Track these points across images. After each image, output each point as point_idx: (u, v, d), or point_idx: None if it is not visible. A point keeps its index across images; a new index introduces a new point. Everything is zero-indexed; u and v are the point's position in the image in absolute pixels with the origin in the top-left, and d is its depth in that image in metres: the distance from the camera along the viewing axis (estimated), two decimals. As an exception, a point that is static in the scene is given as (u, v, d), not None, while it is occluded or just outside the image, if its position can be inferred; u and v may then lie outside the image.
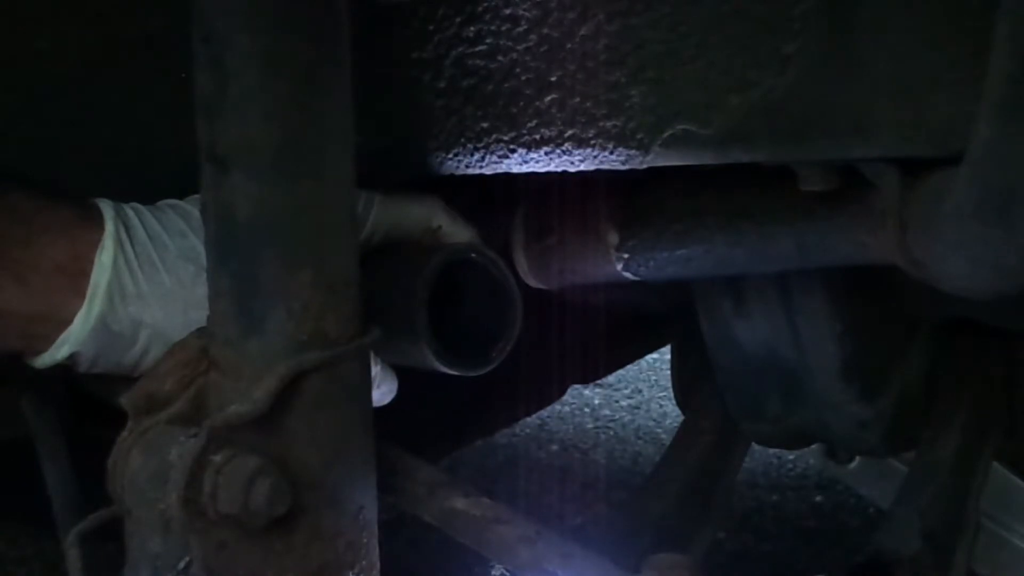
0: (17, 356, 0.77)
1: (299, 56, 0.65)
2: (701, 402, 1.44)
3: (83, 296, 0.74)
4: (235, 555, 0.66)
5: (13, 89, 0.81)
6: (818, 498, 2.30)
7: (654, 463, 1.50)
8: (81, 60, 0.81)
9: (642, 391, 2.99)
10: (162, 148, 0.81)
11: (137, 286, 0.75)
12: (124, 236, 0.75)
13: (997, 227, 0.68)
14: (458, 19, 0.77)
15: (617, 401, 2.93)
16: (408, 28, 0.78)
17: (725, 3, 0.69)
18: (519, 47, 0.75)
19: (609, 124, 0.74)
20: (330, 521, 0.69)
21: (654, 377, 3.02)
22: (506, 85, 0.77)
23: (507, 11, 0.75)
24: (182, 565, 0.66)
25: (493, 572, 1.83)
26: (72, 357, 0.76)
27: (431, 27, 0.78)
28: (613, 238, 0.95)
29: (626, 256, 0.95)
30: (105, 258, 0.74)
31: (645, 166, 0.76)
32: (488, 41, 0.76)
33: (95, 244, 0.74)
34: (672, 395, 1.58)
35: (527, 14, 0.74)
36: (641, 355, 2.05)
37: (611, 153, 0.75)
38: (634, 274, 0.96)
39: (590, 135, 0.75)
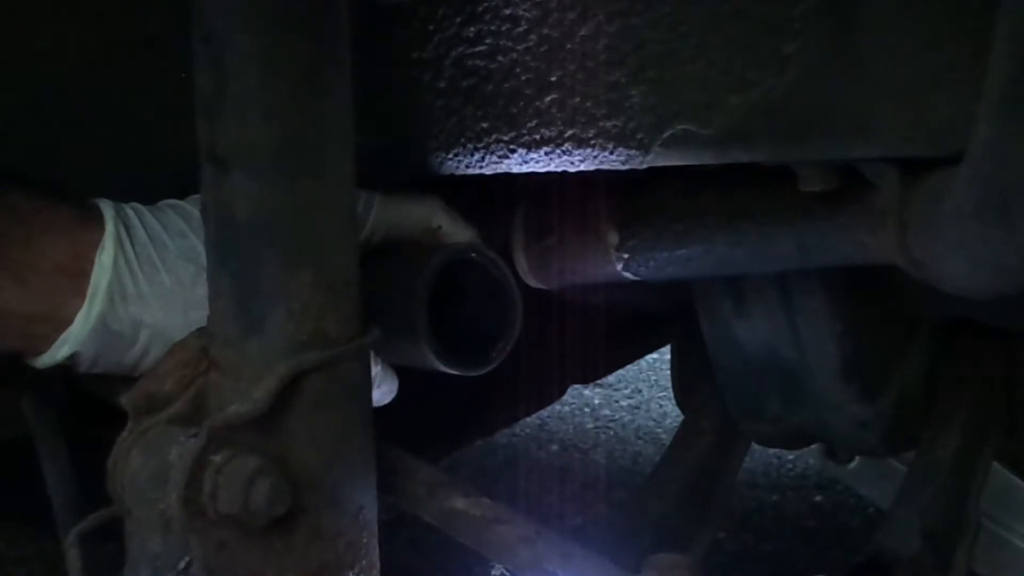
0: (17, 356, 0.77)
1: (299, 56, 0.65)
2: (701, 402, 1.44)
3: (83, 296, 0.74)
4: (235, 555, 0.66)
5: (13, 89, 0.81)
6: (818, 498, 2.30)
7: (654, 463, 1.50)
8: (81, 60, 0.81)
9: (642, 391, 2.99)
10: (162, 148, 0.81)
11: (137, 286, 0.75)
12: (124, 236, 0.75)
13: (997, 227, 0.68)
14: (458, 19, 0.77)
15: (617, 401, 2.93)
16: (408, 28, 0.78)
17: (725, 3, 0.69)
18: (519, 47, 0.75)
19: (609, 124, 0.74)
20: (330, 521, 0.69)
21: (654, 377, 3.02)
22: (506, 85, 0.77)
23: (507, 11, 0.75)
24: (182, 565, 0.66)
25: (493, 572, 1.83)
26: (72, 357, 0.76)
27: (431, 27, 0.78)
28: (613, 238, 0.95)
29: (626, 256, 0.95)
30: (105, 258, 0.74)
31: (645, 166, 0.76)
32: (488, 41, 0.76)
33: (95, 244, 0.74)
34: (672, 395, 1.58)
35: (527, 14, 0.74)
36: (641, 355, 2.05)
37: (611, 153, 0.75)
38: (634, 274, 0.96)
39: (590, 135, 0.75)
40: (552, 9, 0.74)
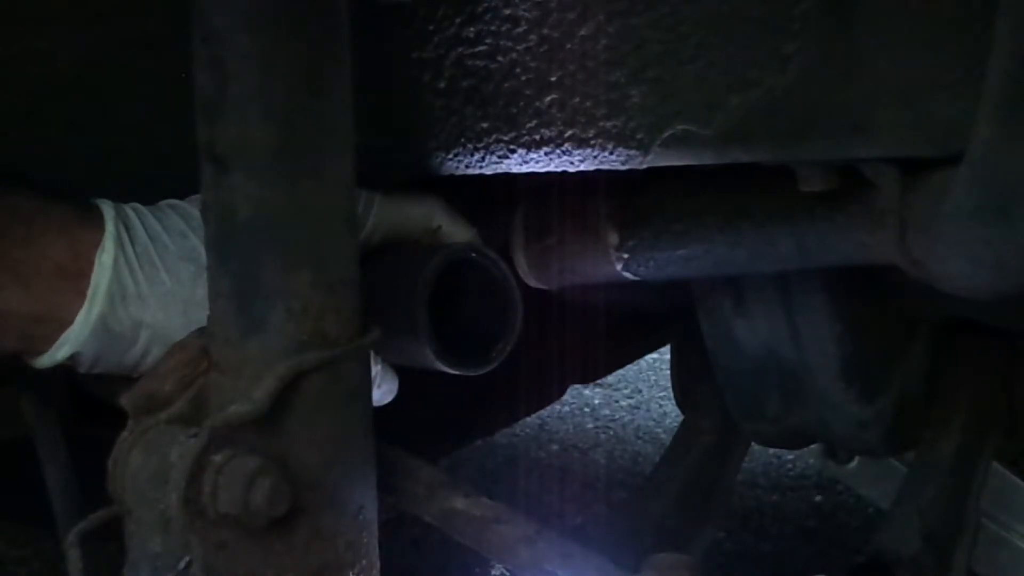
0: (17, 356, 0.77)
1: (299, 56, 0.65)
2: (701, 402, 1.45)
3: (83, 296, 0.74)
4: (235, 555, 0.66)
5: (13, 89, 0.81)
6: (818, 498, 2.30)
7: (654, 463, 1.50)
8: (81, 60, 0.81)
9: (642, 391, 2.99)
10: (162, 148, 0.81)
11: (137, 286, 0.75)
12: (124, 236, 0.75)
13: (997, 227, 0.68)
14: (458, 19, 0.77)
15: (617, 401, 2.93)
16: (408, 28, 0.78)
17: (725, 3, 0.69)
18: (519, 47, 0.75)
19: (609, 124, 0.74)
20: (330, 521, 0.69)
21: (654, 377, 3.02)
22: (506, 85, 0.77)
23: (507, 11, 0.75)
24: (182, 565, 0.66)
25: (493, 572, 1.83)
26: (73, 358, 0.76)
27: (431, 27, 0.78)
28: (613, 238, 0.95)
29: (626, 256, 0.95)
30: (105, 259, 0.74)
31: (645, 166, 0.76)
32: (488, 41, 0.76)
33: (95, 244, 0.74)
34: (672, 395, 1.58)
35: (527, 14, 0.74)
36: (641, 355, 2.05)
37: (611, 153, 0.75)
38: (634, 274, 0.96)
39: (590, 135, 0.75)
40: (552, 9, 0.74)
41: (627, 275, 0.97)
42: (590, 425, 2.77)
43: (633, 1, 0.71)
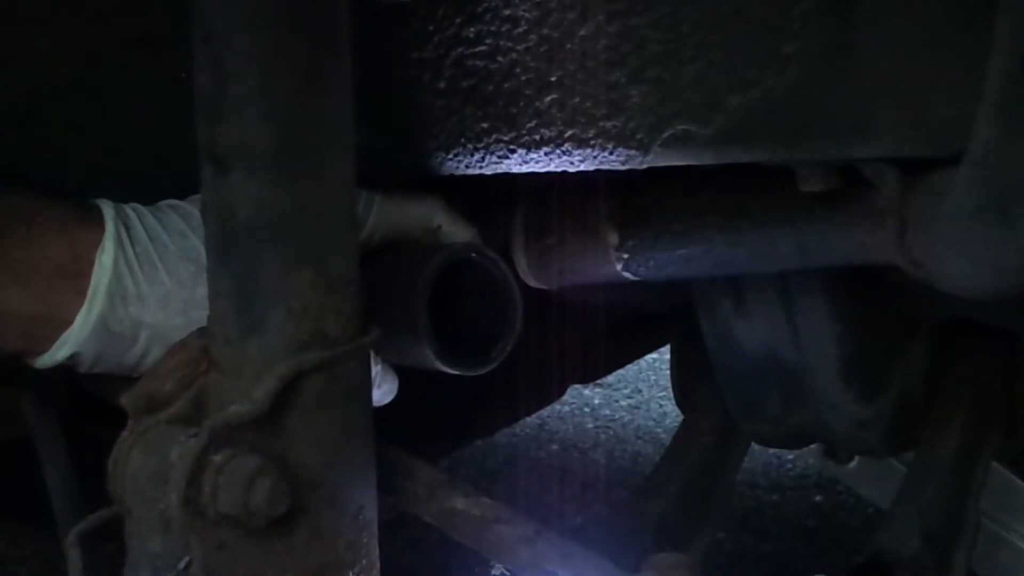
0: (17, 356, 0.77)
1: (299, 56, 0.65)
2: (701, 402, 1.45)
3: (83, 297, 0.74)
4: (235, 555, 0.66)
5: (13, 89, 0.81)
6: (818, 498, 2.30)
7: (654, 463, 1.50)
8: (81, 60, 0.81)
9: (642, 391, 2.99)
10: (162, 148, 0.81)
11: (137, 287, 0.75)
12: (124, 237, 0.75)
13: (997, 227, 0.68)
14: (458, 19, 0.77)
15: (617, 401, 2.93)
16: (408, 28, 0.78)
17: (725, 3, 0.69)
18: (519, 47, 0.75)
19: (609, 124, 0.74)
20: (330, 521, 0.69)
21: (654, 377, 3.02)
22: (506, 85, 0.77)
23: (507, 11, 0.75)
24: (182, 565, 0.66)
25: (493, 572, 1.83)
26: (73, 358, 0.76)
27: (431, 27, 0.78)
28: (613, 238, 0.95)
29: (626, 256, 0.95)
30: (105, 259, 0.74)
31: (645, 166, 0.76)
32: (488, 41, 0.76)
33: (95, 245, 0.74)
34: (672, 395, 1.58)
35: (527, 14, 0.74)
36: (641, 355, 2.05)
37: (611, 153, 0.75)
38: (634, 274, 0.96)
39: (590, 135, 0.75)
40: (552, 9, 0.74)
41: (627, 275, 0.97)
42: (590, 425, 2.77)
43: (633, 1, 0.71)
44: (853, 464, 1.66)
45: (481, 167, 0.81)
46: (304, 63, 0.65)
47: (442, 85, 0.79)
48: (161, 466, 0.67)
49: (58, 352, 0.75)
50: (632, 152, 0.75)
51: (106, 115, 0.83)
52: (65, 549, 0.72)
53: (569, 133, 0.76)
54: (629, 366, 2.45)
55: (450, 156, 0.81)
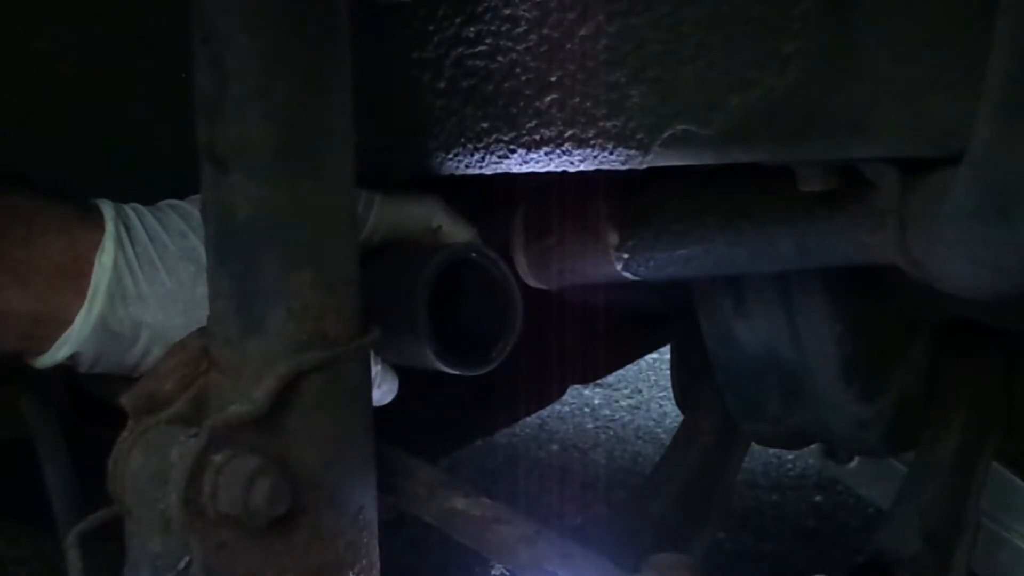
0: (17, 356, 0.77)
1: (299, 56, 0.65)
2: (701, 402, 1.45)
3: (84, 297, 0.74)
4: (235, 555, 0.66)
5: (13, 89, 0.81)
6: (818, 498, 2.30)
7: (654, 463, 1.50)
8: (81, 60, 0.81)
9: (642, 391, 2.99)
10: (162, 148, 0.81)
11: (137, 287, 0.75)
12: (124, 237, 0.75)
13: (997, 227, 0.68)
14: (458, 19, 0.77)
15: (617, 401, 2.93)
16: (408, 28, 0.78)
17: (725, 3, 0.69)
18: (519, 47, 0.75)
19: (609, 124, 0.74)
20: (330, 521, 0.69)
21: (654, 377, 3.02)
22: (506, 85, 0.77)
23: (507, 11, 0.75)
24: (182, 565, 0.66)
25: (493, 572, 1.83)
26: (73, 358, 0.76)
27: (431, 27, 0.78)
28: (613, 238, 0.95)
29: (626, 256, 0.95)
30: (105, 259, 0.74)
31: (645, 166, 0.76)
32: (488, 41, 0.76)
33: (95, 245, 0.74)
34: (672, 395, 1.58)
35: (527, 14, 0.74)
36: (641, 355, 2.05)
37: (611, 153, 0.75)
38: (634, 274, 0.96)
39: (590, 135, 0.75)
40: (552, 9, 0.74)
41: (627, 275, 0.97)
42: (590, 425, 2.77)
43: (633, 1, 0.71)
44: (853, 464, 1.66)
45: (481, 167, 0.81)
46: (304, 63, 0.65)
47: (442, 85, 0.79)
48: (161, 466, 0.67)
49: (58, 352, 0.75)
50: (632, 152, 0.75)
51: (106, 115, 0.83)
52: (65, 549, 0.72)
53: (569, 133, 0.76)
54: (629, 366, 2.45)
55: (450, 156, 0.81)
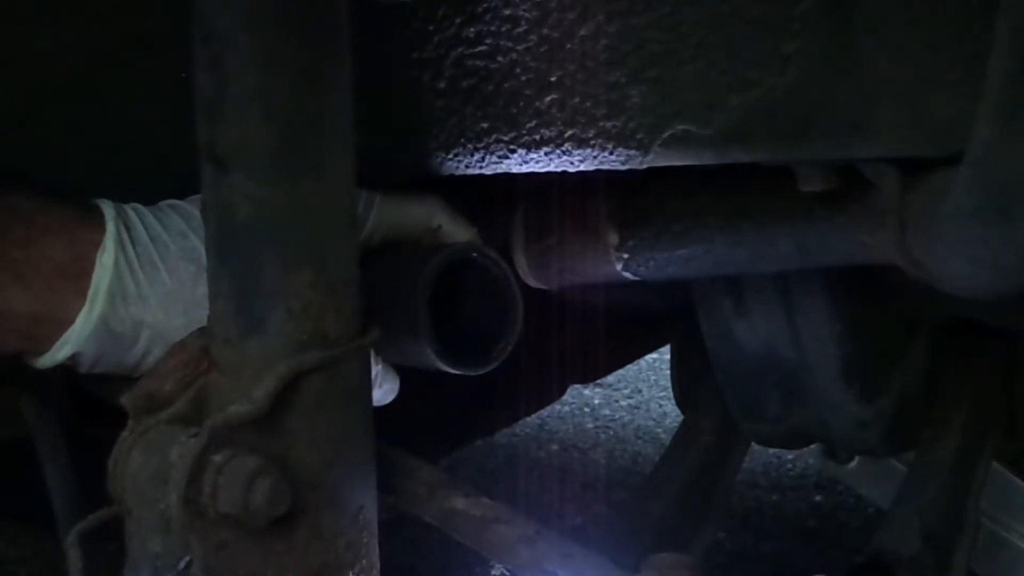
0: (18, 356, 0.77)
1: (299, 56, 0.65)
2: (701, 402, 1.45)
3: (84, 297, 0.74)
4: (235, 555, 0.66)
5: (13, 89, 0.81)
6: (818, 498, 2.30)
7: (654, 463, 1.50)
8: (81, 60, 0.81)
9: (642, 391, 2.99)
10: (162, 148, 0.81)
11: (138, 287, 0.75)
12: (125, 237, 0.75)
13: (997, 227, 0.68)
14: (458, 19, 0.77)
15: (617, 401, 2.93)
16: (408, 28, 0.78)
17: (725, 3, 0.69)
18: (519, 47, 0.75)
19: (609, 124, 0.74)
20: (330, 521, 0.69)
21: (654, 377, 3.02)
22: (506, 85, 0.77)
23: (507, 11, 0.75)
24: (182, 565, 0.66)
25: (493, 572, 1.83)
26: (73, 358, 0.76)
27: (431, 27, 0.78)
28: (613, 238, 0.95)
29: (626, 256, 0.95)
30: (106, 259, 0.74)
31: (645, 166, 0.76)
32: (488, 41, 0.76)
33: (96, 245, 0.74)
34: (672, 395, 1.58)
35: (527, 14, 0.74)
36: (641, 355, 2.05)
37: (611, 153, 0.75)
38: (634, 274, 0.96)
39: (590, 135, 0.75)
40: (552, 9, 0.74)
41: (627, 275, 0.97)
42: (590, 425, 2.77)
43: (633, 1, 0.71)
44: (853, 464, 1.66)
45: (481, 167, 0.81)
46: (304, 63, 0.65)
47: (442, 85, 0.79)
48: (161, 466, 0.67)
49: (59, 352, 0.75)
50: (632, 152, 0.75)
51: (106, 115, 0.83)
52: (65, 549, 0.72)
53: (569, 133, 0.76)
54: (629, 366, 2.45)
55: (450, 156, 0.81)
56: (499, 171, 0.81)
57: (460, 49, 0.77)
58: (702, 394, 1.44)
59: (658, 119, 0.73)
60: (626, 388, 3.00)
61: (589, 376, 1.73)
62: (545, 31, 0.74)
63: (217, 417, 0.66)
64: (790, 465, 2.44)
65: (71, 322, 0.74)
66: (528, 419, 2.46)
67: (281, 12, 0.64)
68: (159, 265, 0.76)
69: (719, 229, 0.89)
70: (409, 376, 0.86)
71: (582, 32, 0.73)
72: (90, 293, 0.74)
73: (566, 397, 2.26)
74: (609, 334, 1.26)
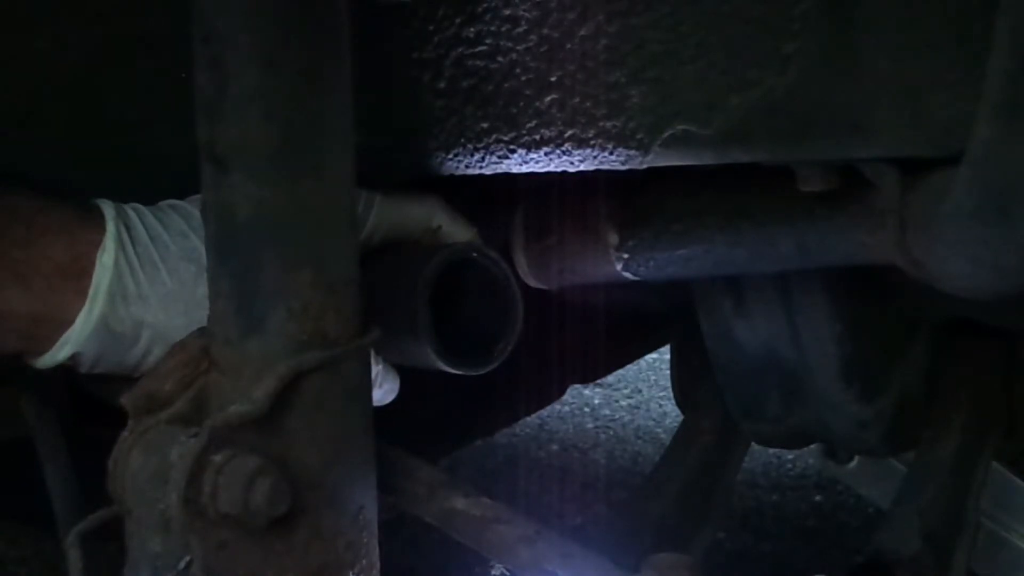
0: (18, 356, 0.77)
1: (299, 56, 0.65)
2: (701, 402, 1.45)
3: (84, 297, 0.74)
4: (235, 555, 0.66)
5: (13, 89, 0.81)
6: (818, 498, 2.30)
7: (654, 463, 1.50)
8: (81, 60, 0.81)
9: (642, 391, 2.99)
10: (162, 148, 0.81)
11: (138, 287, 0.75)
12: (125, 237, 0.75)
13: (997, 227, 0.68)
14: (458, 19, 0.77)
15: (617, 401, 2.93)
16: (408, 28, 0.78)
17: (725, 3, 0.69)
18: (519, 47, 0.75)
19: (609, 124, 0.74)
20: (330, 521, 0.69)
21: (654, 377, 3.02)
22: (506, 85, 0.77)
23: (507, 11, 0.75)
24: (182, 565, 0.66)
25: (493, 572, 1.83)
26: (74, 358, 0.76)
27: (431, 27, 0.78)
28: (613, 238, 0.95)
29: (626, 256, 0.95)
30: (106, 259, 0.74)
31: (645, 166, 0.76)
32: (488, 41, 0.76)
33: (96, 245, 0.74)
34: (672, 395, 1.58)
35: (527, 14, 0.74)
36: (641, 355, 2.05)
37: (611, 153, 0.75)
38: (634, 274, 0.96)
39: (590, 135, 0.75)
40: (552, 9, 0.74)
41: (627, 275, 0.97)
42: (590, 425, 2.77)
43: (633, 1, 0.71)
44: (853, 464, 1.66)
45: (481, 167, 0.81)
46: (304, 63, 0.65)
47: (442, 85, 0.79)
48: (161, 466, 0.67)
49: (59, 352, 0.75)
50: (632, 152, 0.75)
51: (106, 115, 0.83)
52: (65, 549, 0.72)
53: (569, 133, 0.76)
54: (629, 366, 2.45)
55: (450, 156, 0.81)
56: (499, 171, 0.81)
57: (460, 49, 0.77)
58: (702, 394, 1.44)
59: (658, 119, 0.73)
60: (626, 388, 3.00)
61: (589, 376, 1.73)
62: (545, 31, 0.74)
63: (217, 417, 0.66)
64: (790, 465, 2.44)
65: (71, 322, 0.74)
66: (528, 419, 2.46)
67: (281, 12, 0.64)
68: (159, 265, 0.76)
69: (719, 229, 0.89)
70: (409, 376, 0.86)
71: (582, 32, 0.73)
72: (90, 293, 0.74)
73: (566, 397, 2.26)
74: (609, 334, 1.26)
